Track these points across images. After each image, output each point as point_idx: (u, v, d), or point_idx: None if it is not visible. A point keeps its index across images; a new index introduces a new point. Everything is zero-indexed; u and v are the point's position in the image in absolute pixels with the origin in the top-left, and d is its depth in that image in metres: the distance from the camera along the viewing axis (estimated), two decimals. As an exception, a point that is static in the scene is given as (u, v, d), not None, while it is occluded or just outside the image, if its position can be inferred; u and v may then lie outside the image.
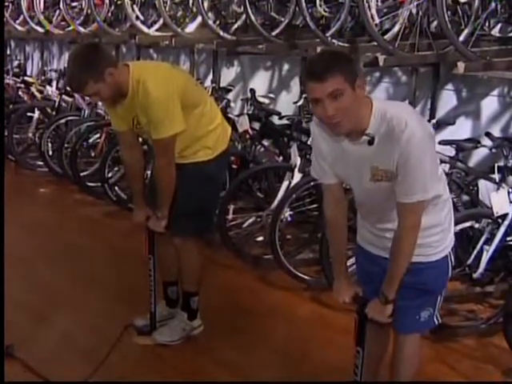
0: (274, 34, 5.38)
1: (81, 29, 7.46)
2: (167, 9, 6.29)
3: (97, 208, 6.30)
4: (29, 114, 7.60)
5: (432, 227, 2.54)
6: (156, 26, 6.64)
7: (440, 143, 4.12)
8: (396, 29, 4.57)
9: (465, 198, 4.51)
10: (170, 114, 3.31)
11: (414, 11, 4.58)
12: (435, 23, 4.78)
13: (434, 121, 4.59)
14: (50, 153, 7.02)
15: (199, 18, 6.20)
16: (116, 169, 6.22)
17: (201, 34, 6.35)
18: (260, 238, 5.10)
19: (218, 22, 6.08)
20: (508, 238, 3.79)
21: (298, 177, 4.70)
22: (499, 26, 4.69)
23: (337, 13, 5.08)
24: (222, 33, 5.83)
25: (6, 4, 8.56)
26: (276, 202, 4.77)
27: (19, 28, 8.58)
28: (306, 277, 4.57)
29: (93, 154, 6.81)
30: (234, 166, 5.35)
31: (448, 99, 5.14)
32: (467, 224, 3.80)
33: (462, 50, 4.17)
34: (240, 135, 5.63)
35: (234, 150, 5.36)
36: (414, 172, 2.35)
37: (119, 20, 7.21)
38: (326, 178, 2.65)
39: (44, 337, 3.86)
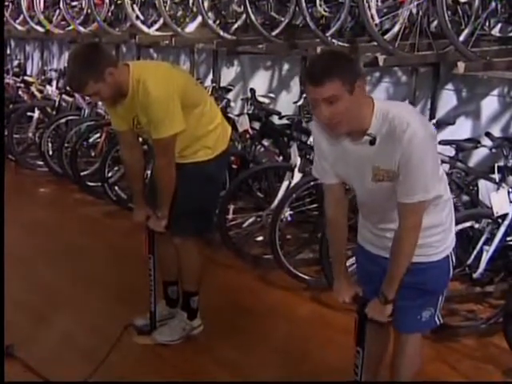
0: (274, 33, 5.38)
1: (81, 28, 7.46)
2: (167, 8, 6.29)
3: (97, 208, 6.30)
4: (29, 113, 7.60)
5: (433, 227, 2.54)
6: (156, 26, 6.64)
7: (440, 143, 4.11)
8: (396, 29, 4.57)
9: (465, 198, 4.51)
10: (170, 113, 3.31)
11: (414, 11, 4.58)
12: (435, 23, 4.78)
13: (434, 121, 4.60)
14: (50, 152, 7.02)
15: (199, 18, 6.20)
16: (116, 168, 6.22)
17: (201, 33, 6.35)
18: (260, 238, 5.11)
19: (218, 22, 6.08)
20: (508, 238, 3.79)
21: (298, 177, 4.70)
22: (499, 25, 4.69)
23: (337, 13, 5.07)
24: (222, 32, 5.83)
25: (6, 3, 8.55)
26: (276, 202, 4.77)
27: (19, 27, 8.57)
28: (305, 277, 4.57)
29: (93, 154, 6.81)
30: (234, 166, 5.35)
31: (448, 99, 5.14)
32: (467, 224, 3.79)
33: (462, 49, 4.17)
34: (240, 135, 5.63)
35: (234, 149, 5.36)
36: (415, 172, 2.35)
37: (119, 20, 7.21)
38: (327, 178, 2.65)
39: (44, 337, 3.87)
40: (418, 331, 2.82)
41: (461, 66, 4.16)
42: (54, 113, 7.31)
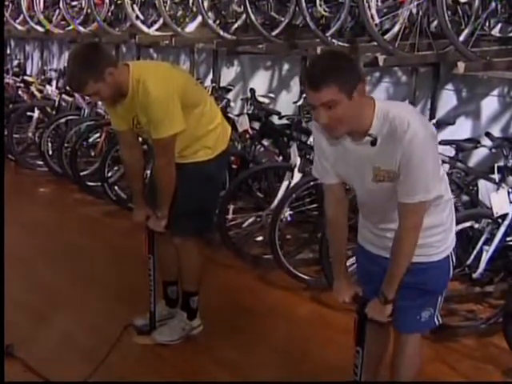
0: (274, 33, 5.38)
1: (81, 28, 7.46)
2: (167, 8, 6.29)
3: (97, 207, 6.30)
4: (29, 113, 7.60)
5: (434, 227, 2.54)
6: (156, 26, 6.64)
7: (440, 143, 4.11)
8: (396, 29, 4.57)
9: (465, 198, 4.51)
10: (169, 113, 3.31)
11: (414, 11, 4.58)
12: (435, 23, 4.78)
13: (433, 121, 4.60)
14: (50, 152, 7.02)
15: (199, 18, 6.20)
16: (116, 168, 6.22)
17: (201, 33, 6.35)
18: (260, 238, 5.11)
19: (218, 22, 6.08)
20: (508, 238, 3.79)
21: (297, 177, 4.70)
22: (499, 25, 4.69)
23: (337, 13, 5.07)
24: (222, 32, 5.83)
25: (6, 3, 8.55)
26: (276, 202, 4.76)
27: (19, 27, 8.57)
28: (305, 277, 4.57)
29: (93, 154, 6.81)
30: (234, 166, 5.35)
31: (448, 99, 5.14)
32: (467, 224, 3.80)
33: (462, 49, 4.16)
34: (240, 135, 5.63)
35: (234, 149, 5.36)
36: (416, 172, 2.35)
37: (119, 19, 7.21)
38: (327, 178, 2.64)
39: (44, 336, 3.86)
40: (417, 331, 2.82)
41: (461, 66, 4.16)
42: (54, 113, 7.31)
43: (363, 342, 2.69)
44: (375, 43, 4.59)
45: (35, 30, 8.20)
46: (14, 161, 7.41)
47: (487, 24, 4.60)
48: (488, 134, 4.22)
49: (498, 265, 4.01)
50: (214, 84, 6.49)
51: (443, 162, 4.10)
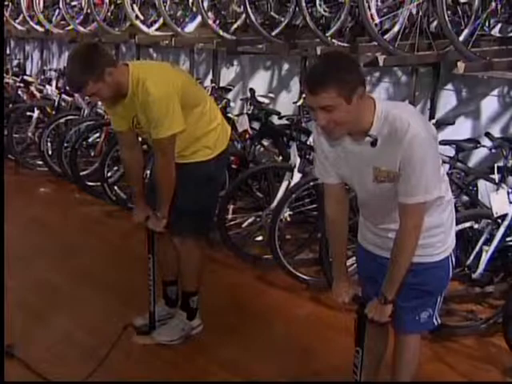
0: (273, 33, 5.38)
1: (80, 28, 7.46)
2: (167, 8, 6.30)
3: (96, 207, 6.30)
4: (28, 113, 7.59)
5: (434, 228, 2.55)
6: (156, 26, 6.65)
7: (440, 143, 4.11)
8: (396, 29, 4.58)
9: (464, 198, 4.51)
10: (169, 113, 3.30)
11: (414, 11, 4.58)
12: (435, 23, 4.78)
13: (433, 121, 4.60)
14: (50, 152, 7.02)
15: (199, 18, 6.20)
16: (115, 168, 6.22)
17: (200, 33, 6.35)
18: (259, 238, 5.11)
19: (217, 22, 6.07)
20: (507, 239, 3.79)
21: (297, 177, 4.70)
22: (499, 25, 4.69)
23: (337, 13, 5.08)
24: (221, 32, 5.83)
25: (6, 3, 8.55)
26: (275, 202, 4.76)
27: (19, 27, 8.58)
28: (305, 277, 4.57)
29: (92, 154, 6.83)
30: (234, 166, 5.35)
31: (448, 99, 5.14)
32: (467, 224, 3.79)
33: (462, 49, 4.16)
34: (240, 135, 5.63)
35: (234, 149, 5.36)
36: (416, 173, 2.35)
37: (119, 19, 7.21)
38: (328, 178, 2.64)
39: (44, 336, 3.86)
40: (416, 332, 2.82)
41: (461, 66, 4.16)
42: (54, 112, 7.31)
43: (363, 342, 2.69)
44: (375, 43, 4.59)
45: (35, 30, 8.20)
46: (13, 161, 7.41)
47: (487, 24, 4.60)
48: (488, 134, 4.22)
49: (498, 265, 4.01)
50: (213, 84, 6.49)
51: (443, 162, 4.09)
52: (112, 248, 5.28)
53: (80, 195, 6.61)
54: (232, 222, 5.12)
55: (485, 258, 3.75)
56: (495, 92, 4.87)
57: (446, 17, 4.07)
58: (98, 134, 6.80)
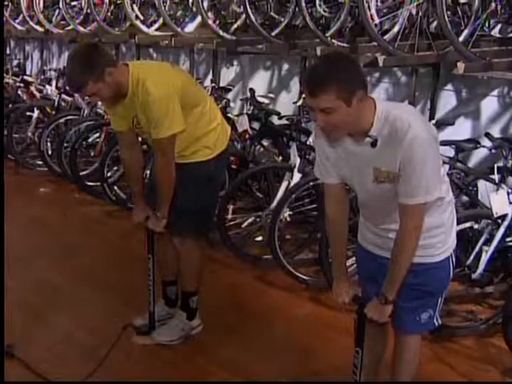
0: (273, 33, 5.38)
1: (80, 28, 7.45)
2: (167, 8, 6.29)
3: (96, 207, 6.30)
4: (28, 113, 7.59)
5: (435, 228, 2.55)
6: (156, 26, 6.64)
7: (440, 144, 4.10)
8: (396, 29, 4.57)
9: (464, 198, 4.51)
10: (169, 113, 3.30)
11: (414, 11, 4.58)
12: (435, 23, 4.78)
13: (433, 121, 4.60)
14: (50, 152, 7.02)
15: (199, 18, 6.20)
16: (115, 168, 6.23)
17: (200, 33, 6.35)
18: (259, 238, 5.11)
19: (217, 22, 6.07)
20: (507, 239, 3.79)
21: (297, 177, 4.70)
22: (499, 26, 4.69)
23: (336, 13, 5.08)
24: (221, 32, 5.83)
25: (6, 3, 8.55)
26: (275, 202, 4.76)
27: (19, 27, 8.58)
28: (305, 277, 4.57)
29: (92, 154, 6.83)
30: (234, 166, 5.35)
31: (448, 99, 5.14)
32: (467, 225, 3.79)
33: (462, 50, 4.16)
34: (239, 135, 5.63)
35: (234, 149, 5.36)
36: (416, 174, 2.35)
37: (119, 19, 7.21)
38: (328, 178, 2.64)
39: (43, 336, 3.86)
40: (416, 332, 2.82)
41: (460, 66, 4.16)
42: (54, 112, 7.31)
43: (363, 342, 2.69)
44: (375, 43, 4.59)
45: (35, 30, 8.20)
46: (13, 161, 7.40)
47: (487, 24, 4.60)
48: (488, 135, 4.22)
49: (498, 265, 4.01)
50: (213, 84, 6.48)
51: (443, 162, 4.09)
52: (112, 248, 5.28)
53: (80, 195, 6.61)
54: (232, 222, 5.12)
55: (484, 258, 3.75)
56: (495, 92, 4.87)
57: (446, 17, 4.07)
58: (97, 134, 6.80)
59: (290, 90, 6.44)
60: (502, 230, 3.71)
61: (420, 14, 4.54)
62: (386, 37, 4.55)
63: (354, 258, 3.34)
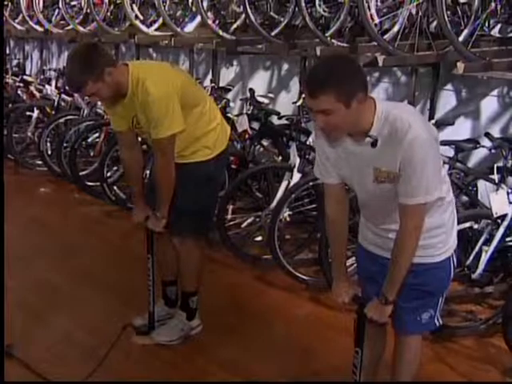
0: (273, 33, 5.38)
1: (80, 28, 7.45)
2: (166, 8, 6.29)
3: (96, 207, 6.30)
4: (28, 113, 7.59)
5: (435, 228, 2.55)
6: (155, 26, 6.64)
7: (439, 144, 4.12)
8: (395, 29, 4.57)
9: (464, 198, 4.51)
10: (169, 113, 3.30)
11: (414, 11, 4.58)
12: (435, 23, 4.78)
13: (433, 121, 4.60)
14: (49, 152, 7.02)
15: (198, 18, 6.20)
16: (115, 168, 6.23)
17: (200, 33, 6.35)
18: (259, 238, 5.11)
19: (217, 22, 6.07)
20: (507, 239, 3.79)
21: (297, 177, 4.70)
22: (499, 26, 4.69)
23: (336, 13, 5.07)
24: (221, 32, 5.83)
25: (5, 3, 8.55)
26: (275, 202, 4.76)
27: (18, 27, 8.57)
28: (305, 277, 4.57)
29: (92, 154, 6.83)
30: (233, 166, 5.35)
31: (447, 99, 5.15)
32: (466, 225, 3.79)
33: (462, 50, 4.16)
34: (239, 135, 5.63)
35: (233, 149, 5.36)
36: (416, 174, 2.35)
37: (118, 19, 7.21)
38: (328, 178, 2.64)
39: (44, 336, 3.86)
40: (417, 332, 2.82)
41: (460, 66, 4.16)
42: (53, 112, 7.31)
43: (362, 342, 2.69)
44: (375, 43, 4.59)
45: (34, 30, 8.20)
46: (13, 160, 7.40)
47: (487, 24, 4.60)
48: (487, 135, 4.22)
49: (498, 265, 4.01)
50: (213, 84, 6.48)
51: (443, 162, 4.10)
52: (111, 248, 5.28)
53: (79, 195, 6.61)
54: (231, 222, 5.12)
55: (484, 258, 3.75)
56: (495, 92, 4.87)
57: (446, 17, 4.07)
58: (97, 134, 6.80)
59: (289, 90, 6.44)
60: (501, 230, 3.71)
61: (420, 13, 4.54)
62: (385, 36, 4.55)
63: (353, 258, 3.35)
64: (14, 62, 9.76)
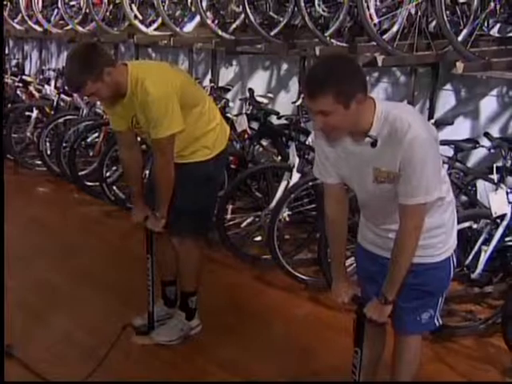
0: (272, 33, 5.38)
1: (79, 28, 7.45)
2: (165, 8, 6.29)
3: (95, 207, 6.30)
4: (27, 113, 7.59)
5: (435, 228, 2.55)
6: (154, 26, 6.64)
7: (439, 143, 4.12)
8: (395, 29, 4.58)
9: (463, 198, 4.51)
10: (168, 113, 3.30)
11: (413, 11, 4.58)
12: (434, 23, 4.78)
13: (432, 121, 4.60)
14: (49, 152, 7.02)
15: (198, 18, 6.19)
16: (114, 168, 6.22)
17: (199, 33, 6.35)
18: (258, 238, 5.11)
19: (216, 22, 6.07)
20: (506, 239, 3.79)
21: (296, 177, 4.70)
22: (498, 26, 4.69)
23: (335, 12, 5.07)
24: (220, 32, 5.83)
25: (4, 3, 8.54)
26: (274, 202, 4.76)
27: (17, 27, 8.57)
28: (304, 277, 4.57)
29: (91, 154, 6.82)
30: (233, 166, 5.35)
31: (447, 99, 5.15)
32: (466, 224, 3.80)
33: (461, 50, 4.16)
34: (238, 135, 5.63)
35: (233, 149, 5.36)
36: (416, 174, 2.35)
37: (118, 19, 7.20)
38: (328, 178, 2.64)
39: (43, 336, 3.86)
40: (417, 332, 2.82)
41: (459, 66, 4.16)
42: (53, 112, 7.30)
43: (362, 342, 2.69)
44: (374, 43, 4.59)
45: (34, 30, 8.20)
46: (12, 160, 7.39)
47: (486, 24, 4.60)
48: (487, 134, 4.22)
49: (497, 265, 4.01)
50: (212, 84, 6.49)
51: (442, 162, 4.10)
52: (111, 248, 5.28)
53: (79, 195, 6.61)
54: (231, 222, 5.12)
55: (484, 258, 3.75)
56: (494, 92, 4.87)
57: (445, 17, 4.07)
58: (96, 134, 6.79)
59: (288, 90, 6.44)
60: (500, 230, 3.71)
61: (419, 13, 4.54)
62: (384, 36, 4.55)
63: (353, 258, 3.35)
64: (13, 62, 9.75)
